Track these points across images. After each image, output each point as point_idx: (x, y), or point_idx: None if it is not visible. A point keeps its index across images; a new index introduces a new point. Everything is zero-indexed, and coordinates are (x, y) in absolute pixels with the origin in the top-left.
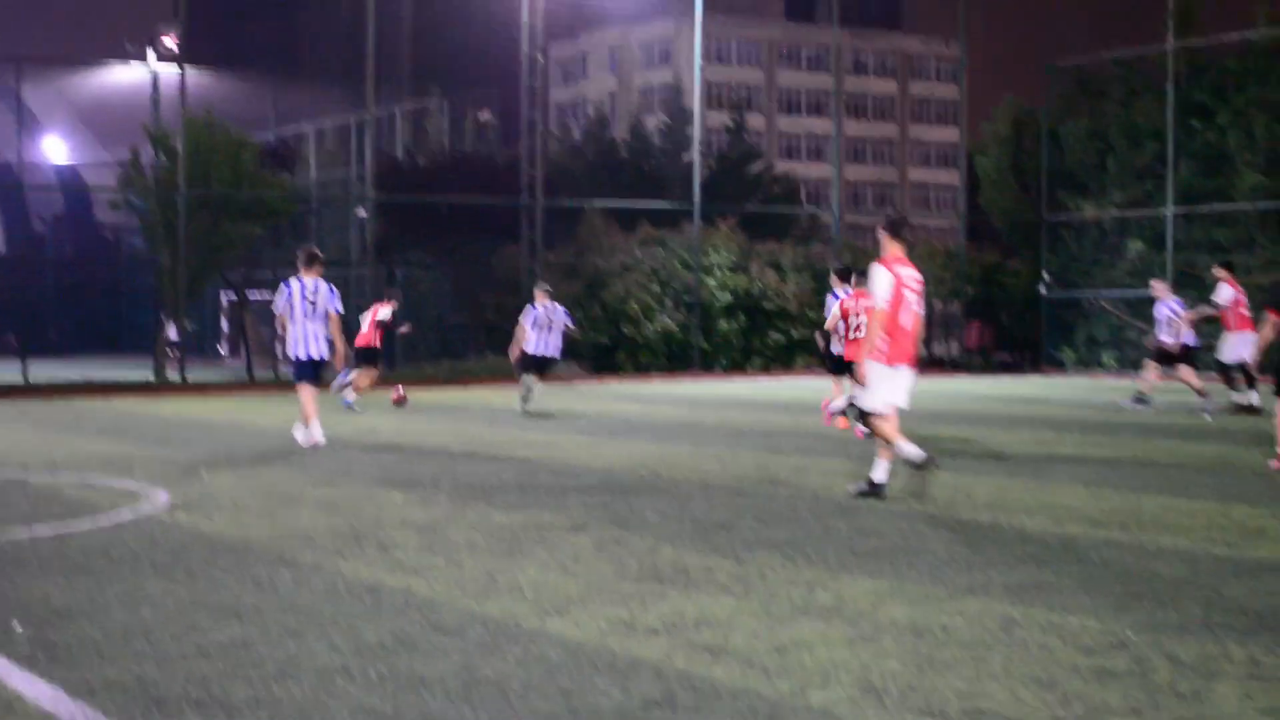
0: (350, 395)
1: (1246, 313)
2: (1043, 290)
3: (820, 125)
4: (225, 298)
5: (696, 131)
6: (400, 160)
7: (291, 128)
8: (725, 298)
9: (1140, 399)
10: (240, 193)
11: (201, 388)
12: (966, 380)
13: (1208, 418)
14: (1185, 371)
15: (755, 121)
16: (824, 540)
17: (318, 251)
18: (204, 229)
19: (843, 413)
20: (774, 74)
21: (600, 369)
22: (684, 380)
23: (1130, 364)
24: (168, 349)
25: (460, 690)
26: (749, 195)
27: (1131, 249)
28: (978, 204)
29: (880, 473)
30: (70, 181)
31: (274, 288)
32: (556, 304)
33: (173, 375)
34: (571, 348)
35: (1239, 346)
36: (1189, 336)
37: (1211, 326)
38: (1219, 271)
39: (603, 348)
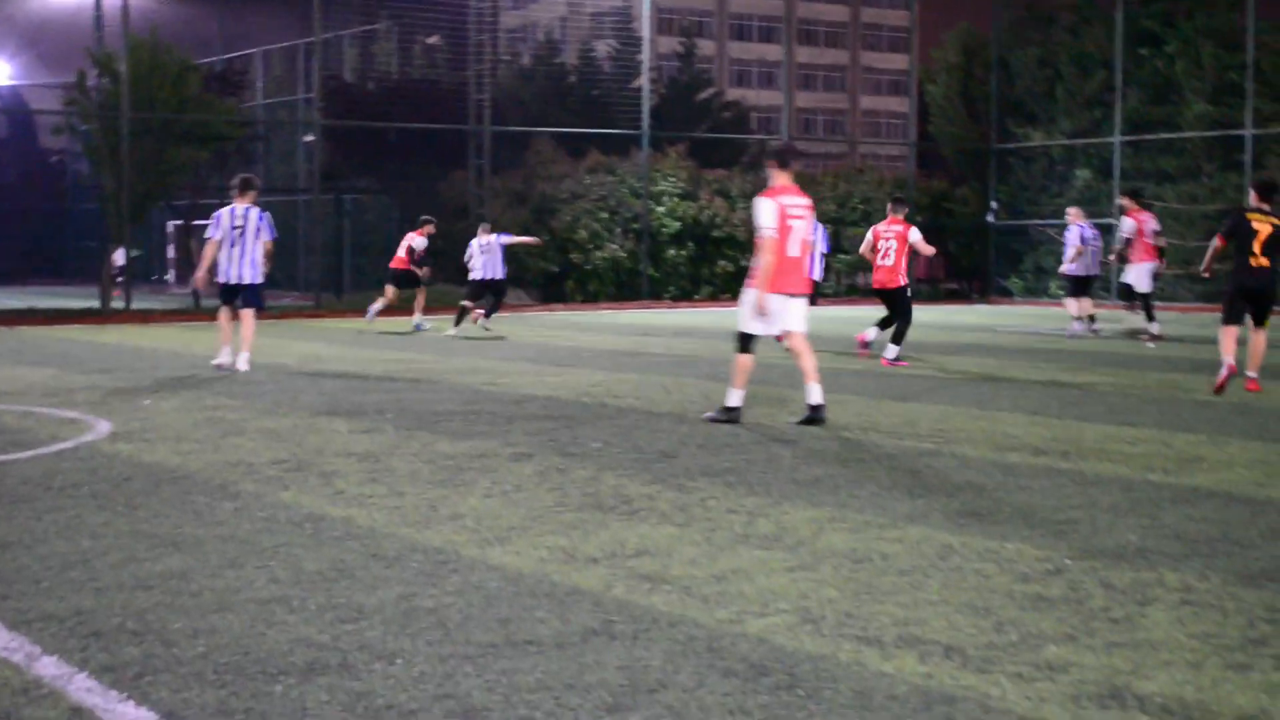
0: (416, 318)
1: (1151, 241)
2: (990, 219)
3: (771, 52)
4: (171, 224)
5: (646, 58)
6: (348, 85)
7: (239, 52)
8: (674, 225)
9: (1084, 325)
10: (185, 117)
11: (147, 315)
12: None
13: (1150, 345)
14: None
15: (706, 48)
16: (767, 469)
17: (251, 178)
18: (149, 154)
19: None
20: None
21: (548, 298)
22: (632, 309)
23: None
24: (113, 276)
25: (398, 620)
26: (699, 122)
27: (1079, 177)
28: (928, 132)
29: (814, 395)
30: (13, 105)
31: None
32: (494, 235)
33: (118, 302)
34: (519, 276)
35: (1141, 275)
36: (1092, 265)
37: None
38: (1123, 201)
39: (551, 275)
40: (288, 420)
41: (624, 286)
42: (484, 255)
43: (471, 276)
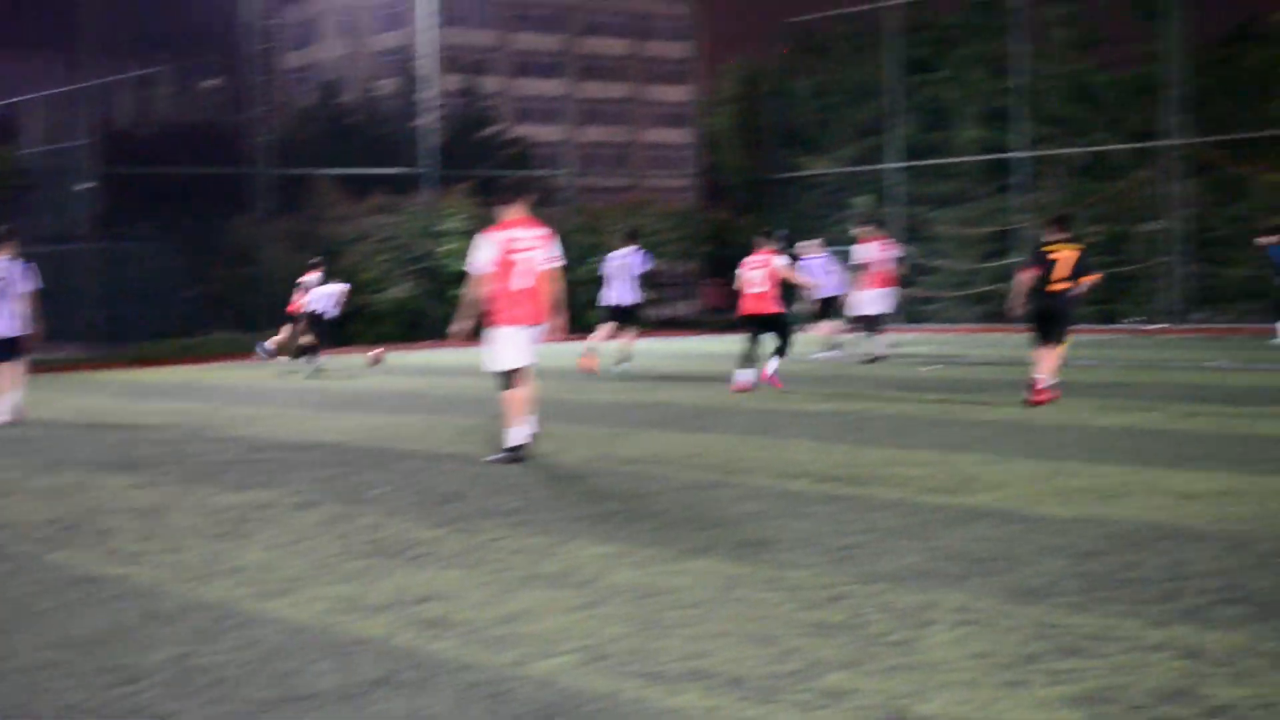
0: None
1: (887, 269)
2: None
3: (555, 87)
4: None
5: (428, 96)
6: (126, 130)
7: (11, 98)
8: (460, 264)
9: (834, 349)
10: None
11: None
12: (702, 340)
13: (930, 369)
14: (826, 325)
15: (490, 85)
16: (554, 507)
17: (11, 229)
18: None
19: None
20: (507, 36)
21: (335, 340)
22: (420, 349)
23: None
24: None
25: (175, 680)
26: (484, 160)
27: (858, 204)
28: (711, 163)
29: (519, 435)
30: None
31: None
32: (332, 282)
33: None
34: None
35: (875, 300)
36: (836, 289)
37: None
38: (859, 230)
39: (337, 320)
40: (63, 477)
41: (412, 326)
42: (328, 298)
43: (311, 312)
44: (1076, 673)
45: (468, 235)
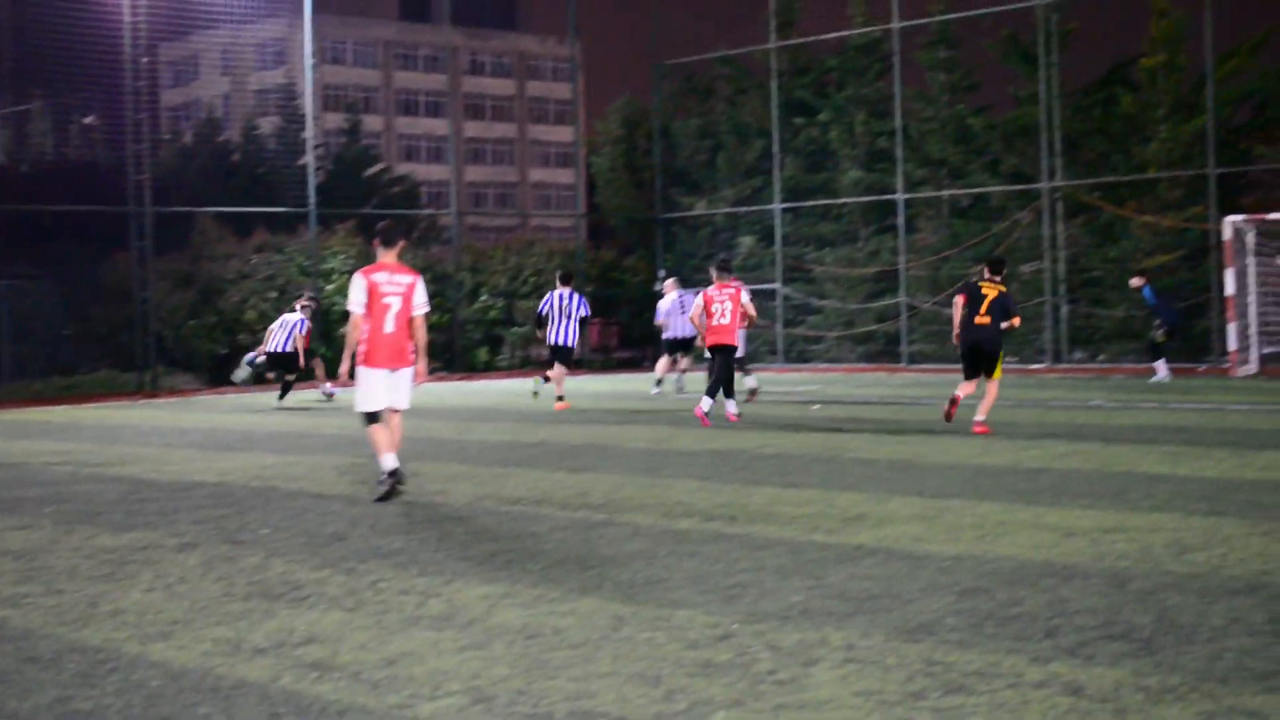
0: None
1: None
2: (659, 288)
3: (438, 126)
4: None
5: (310, 134)
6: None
7: None
8: (343, 302)
9: (663, 387)
10: None
11: None
12: (588, 379)
13: (815, 407)
14: (665, 362)
15: (373, 123)
16: (439, 547)
17: None
18: None
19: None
20: (390, 75)
21: (216, 381)
22: (306, 388)
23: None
24: None
25: None
26: (367, 198)
27: (743, 244)
28: (595, 203)
29: (392, 460)
30: None
31: None
32: (301, 315)
33: None
34: (189, 359)
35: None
36: (683, 329)
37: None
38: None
39: (219, 358)
40: None
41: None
42: (282, 331)
43: (273, 350)
44: (961, 710)
45: (350, 275)
